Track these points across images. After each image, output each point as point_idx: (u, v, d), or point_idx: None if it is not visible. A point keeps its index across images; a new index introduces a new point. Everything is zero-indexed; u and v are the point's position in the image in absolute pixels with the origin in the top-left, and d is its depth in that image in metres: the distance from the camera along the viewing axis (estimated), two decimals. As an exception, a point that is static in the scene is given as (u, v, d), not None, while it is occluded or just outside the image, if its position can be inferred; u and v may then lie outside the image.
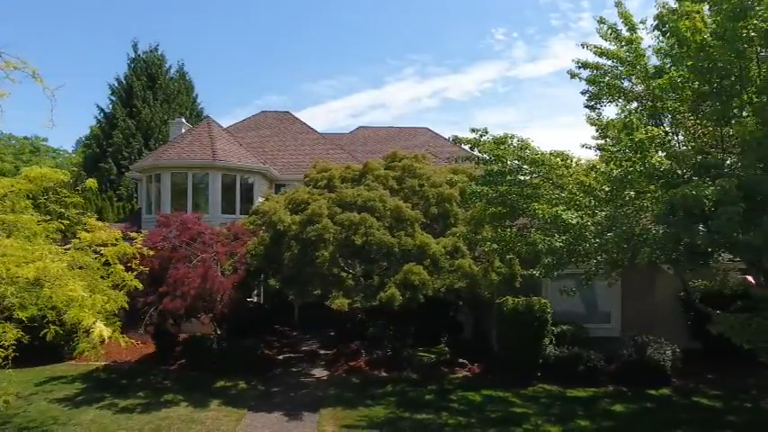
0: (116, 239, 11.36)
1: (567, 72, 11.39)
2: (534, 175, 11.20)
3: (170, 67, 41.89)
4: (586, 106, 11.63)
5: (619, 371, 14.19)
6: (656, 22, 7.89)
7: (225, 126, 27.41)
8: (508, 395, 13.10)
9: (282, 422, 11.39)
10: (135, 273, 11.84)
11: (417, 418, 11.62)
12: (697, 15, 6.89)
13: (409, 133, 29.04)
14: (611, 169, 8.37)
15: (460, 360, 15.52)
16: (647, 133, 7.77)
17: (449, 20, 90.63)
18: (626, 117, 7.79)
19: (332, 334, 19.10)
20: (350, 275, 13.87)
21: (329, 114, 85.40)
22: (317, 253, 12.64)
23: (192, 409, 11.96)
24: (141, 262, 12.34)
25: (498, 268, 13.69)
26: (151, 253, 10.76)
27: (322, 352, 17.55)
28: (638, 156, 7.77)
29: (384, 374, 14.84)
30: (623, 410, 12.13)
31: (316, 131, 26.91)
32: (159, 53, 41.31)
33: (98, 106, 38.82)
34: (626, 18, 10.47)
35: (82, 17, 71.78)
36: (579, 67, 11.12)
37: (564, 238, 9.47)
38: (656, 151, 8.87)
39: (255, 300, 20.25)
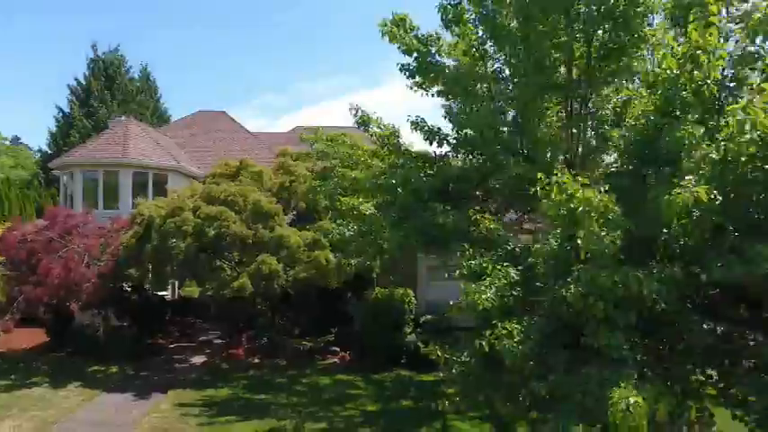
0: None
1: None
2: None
3: (130, 67, 42.90)
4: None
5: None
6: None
7: (163, 125, 28.42)
8: (358, 379, 13.98)
9: (128, 401, 12.32)
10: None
11: (254, 398, 12.54)
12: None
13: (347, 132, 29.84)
14: (376, 163, 9.21)
15: (334, 348, 16.41)
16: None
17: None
18: (357, 114, 8.62)
19: (241, 325, 19.98)
20: (223, 265, 14.80)
21: (325, 115, 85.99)
22: (173, 244, 13.53)
23: (50, 389, 12.94)
24: (5, 253, 13.35)
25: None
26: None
27: (217, 342, 18.47)
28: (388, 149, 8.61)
29: (257, 361, 15.77)
30: (454, 392, 12.94)
31: (247, 131, 27.84)
32: (119, 54, 42.30)
33: (57, 106, 39.89)
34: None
35: (66, 17, 73.04)
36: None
37: (355, 228, 10.29)
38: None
39: (169, 294, 21.18)
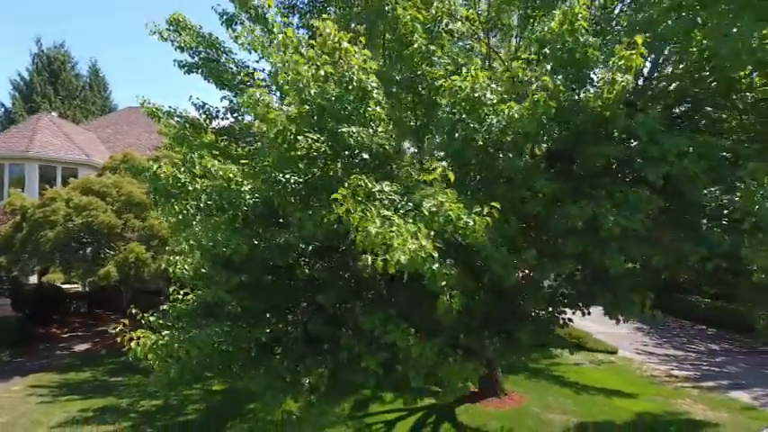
0: None
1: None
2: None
3: (76, 63, 43.25)
4: None
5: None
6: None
7: (90, 121, 28.92)
8: (224, 364, 14.74)
9: (-13, 384, 12.96)
10: None
11: (110, 380, 13.29)
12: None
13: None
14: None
15: (217, 336, 17.15)
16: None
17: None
18: (144, 105, 9.42)
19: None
20: (106, 254, 15.47)
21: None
22: (41, 233, 14.18)
23: None
24: None
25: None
26: None
27: (113, 331, 19.07)
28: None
29: (138, 348, 16.44)
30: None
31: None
32: (65, 49, 42.62)
33: (-1, 102, 40.11)
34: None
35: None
36: None
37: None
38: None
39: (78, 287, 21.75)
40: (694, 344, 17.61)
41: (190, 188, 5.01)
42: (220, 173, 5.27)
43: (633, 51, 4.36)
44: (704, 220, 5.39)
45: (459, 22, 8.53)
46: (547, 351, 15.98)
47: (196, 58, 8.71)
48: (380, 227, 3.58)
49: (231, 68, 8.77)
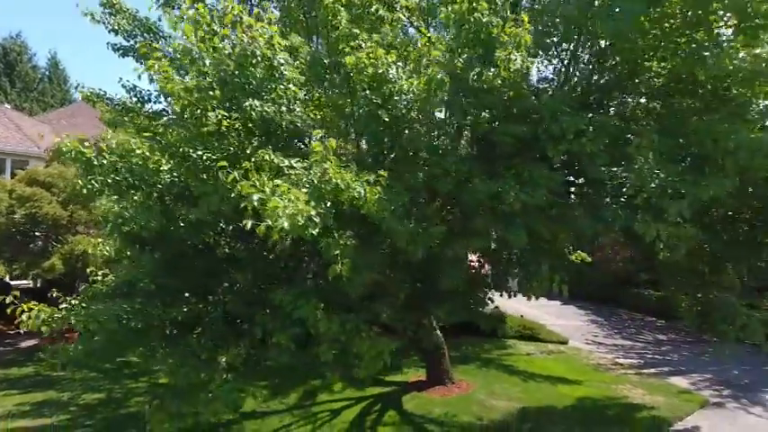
0: None
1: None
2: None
3: (34, 54, 42.15)
4: None
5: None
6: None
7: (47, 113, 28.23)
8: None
9: None
10: None
11: (54, 374, 12.95)
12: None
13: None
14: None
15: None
16: None
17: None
18: (78, 89, 9.30)
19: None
20: (53, 247, 15.10)
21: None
22: (-19, 225, 13.77)
23: None
24: None
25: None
26: None
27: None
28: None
29: (87, 343, 16.14)
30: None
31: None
32: (21, 40, 41.48)
33: (-49, 94, 38.68)
34: None
35: None
36: None
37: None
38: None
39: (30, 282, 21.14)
40: (643, 334, 18.18)
41: (95, 162, 4.99)
42: (138, 150, 5.25)
43: (520, 29, 4.57)
44: (607, 199, 5.66)
45: (399, 12, 8.66)
46: (499, 342, 16.33)
47: (132, 42, 8.62)
48: (267, 194, 3.65)
49: (170, 53, 8.68)
